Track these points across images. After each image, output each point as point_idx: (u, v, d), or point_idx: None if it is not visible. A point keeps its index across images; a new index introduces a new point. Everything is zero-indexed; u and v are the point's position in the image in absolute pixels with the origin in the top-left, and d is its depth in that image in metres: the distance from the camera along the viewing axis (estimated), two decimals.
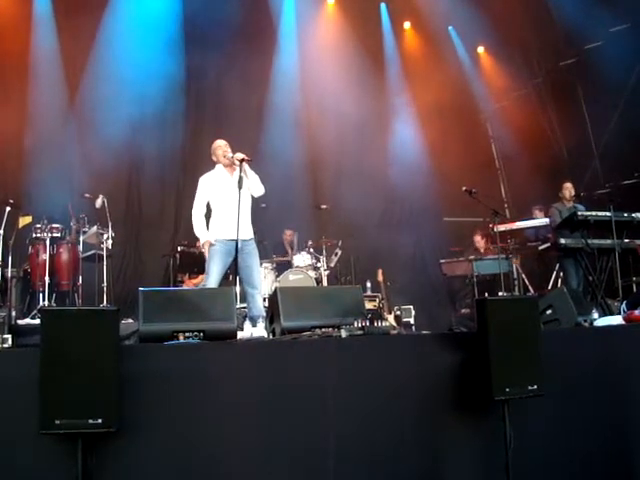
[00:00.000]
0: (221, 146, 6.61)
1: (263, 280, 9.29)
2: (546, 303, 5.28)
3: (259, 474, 3.52)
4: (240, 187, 6.18)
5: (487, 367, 3.74)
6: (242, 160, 6.27)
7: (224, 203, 6.45)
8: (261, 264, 9.46)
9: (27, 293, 8.62)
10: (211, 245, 6.37)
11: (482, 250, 11.01)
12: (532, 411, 4.01)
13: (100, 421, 3.01)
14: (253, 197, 6.63)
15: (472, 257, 10.60)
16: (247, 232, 6.48)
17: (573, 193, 9.05)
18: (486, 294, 9.38)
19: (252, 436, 3.56)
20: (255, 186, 6.49)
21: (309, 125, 12.33)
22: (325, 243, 10.57)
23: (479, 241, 11.09)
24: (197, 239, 6.90)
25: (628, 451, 4.39)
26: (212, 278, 6.30)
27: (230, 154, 6.47)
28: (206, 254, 6.42)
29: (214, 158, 6.66)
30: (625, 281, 7.85)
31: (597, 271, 7.59)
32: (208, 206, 6.61)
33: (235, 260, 6.24)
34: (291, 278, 9.69)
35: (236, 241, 6.09)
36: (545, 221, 9.89)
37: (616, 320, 5.30)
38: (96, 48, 10.63)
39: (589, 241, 7.51)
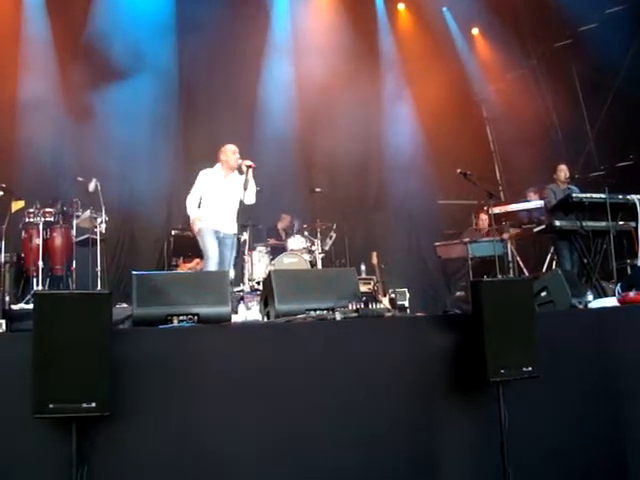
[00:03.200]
0: (235, 151, 7.43)
1: (257, 263, 9.38)
2: (541, 285, 5.27)
3: (253, 456, 3.53)
4: (245, 188, 7.20)
5: (482, 349, 3.74)
6: (249, 167, 7.25)
7: (215, 199, 7.38)
8: (255, 247, 9.53)
9: (21, 278, 8.59)
10: (199, 228, 7.22)
11: (484, 231, 10.92)
12: (527, 392, 4.01)
13: (94, 405, 3.00)
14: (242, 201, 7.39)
15: (467, 240, 10.60)
16: (232, 227, 7.41)
17: (568, 175, 9.02)
18: (485, 276, 9.36)
19: (247, 419, 3.56)
20: (251, 193, 7.33)
21: (303, 108, 12.26)
22: (319, 226, 10.56)
23: (484, 220, 10.99)
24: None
25: (622, 432, 4.41)
26: (211, 252, 7.16)
27: (239, 158, 7.34)
28: (195, 230, 7.28)
29: (222, 157, 7.42)
30: (619, 263, 7.87)
31: (592, 253, 7.60)
32: (200, 198, 7.47)
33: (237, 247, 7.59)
34: (286, 261, 9.68)
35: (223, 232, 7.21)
36: (540, 203, 9.87)
37: (610, 302, 5.31)
38: (87, 31, 10.55)
39: (584, 223, 7.51)
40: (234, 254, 7.72)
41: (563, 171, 9.02)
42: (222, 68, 11.82)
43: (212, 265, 7.10)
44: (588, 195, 7.53)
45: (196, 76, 12.02)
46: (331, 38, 12.00)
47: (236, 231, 7.60)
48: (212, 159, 7.56)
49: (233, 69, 11.83)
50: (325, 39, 11.98)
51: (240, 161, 7.32)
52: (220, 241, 7.29)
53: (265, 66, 12.18)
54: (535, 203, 10.14)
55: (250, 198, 7.36)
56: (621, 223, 7.59)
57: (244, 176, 7.30)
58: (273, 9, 12.49)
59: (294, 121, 12.21)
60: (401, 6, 13.51)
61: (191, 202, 7.38)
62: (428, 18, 12.98)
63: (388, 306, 9.08)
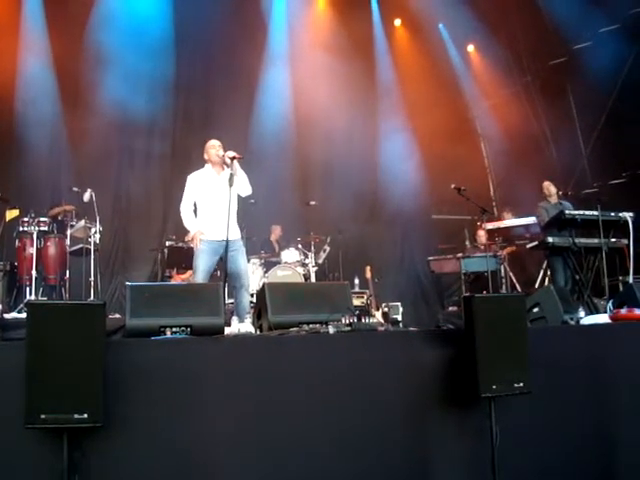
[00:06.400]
0: (214, 146, 6.63)
1: (251, 276, 9.30)
2: (533, 301, 5.30)
3: (245, 469, 3.52)
4: (231, 185, 6.28)
5: (474, 364, 3.75)
6: (233, 158, 6.35)
7: (210, 203, 6.53)
8: (249, 260, 9.49)
9: (14, 287, 8.59)
10: (200, 240, 6.39)
11: (482, 246, 10.91)
12: (518, 408, 4.02)
13: (86, 416, 2.99)
14: (240, 197, 6.66)
15: (460, 255, 10.64)
16: (234, 232, 6.51)
17: (553, 189, 9.10)
18: (484, 292, 9.40)
19: (238, 432, 3.55)
20: (243, 185, 6.52)
21: (298, 121, 12.33)
22: (313, 239, 10.58)
23: (482, 236, 10.98)
24: (185, 233, 6.94)
25: (613, 447, 4.41)
26: (199, 276, 6.36)
27: (222, 152, 6.50)
28: (196, 246, 6.44)
29: (205, 156, 6.69)
30: (611, 280, 7.89)
31: (584, 270, 7.63)
32: (195, 204, 6.65)
33: (224, 258, 6.29)
34: (279, 274, 9.69)
35: (227, 239, 6.17)
36: (534, 219, 9.92)
37: (602, 319, 5.32)
38: (85, 46, 10.56)
39: (576, 240, 7.55)
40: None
41: (546, 187, 9.12)
42: (219, 81, 11.91)
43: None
44: (581, 212, 7.58)
45: (192, 87, 12.09)
46: (328, 52, 12.05)
47: (240, 234, 6.71)
48: None
49: (229, 82, 11.91)
50: (322, 54, 12.04)
51: (222, 153, 6.48)
52: (227, 252, 6.27)
53: (262, 80, 12.24)
54: (530, 219, 10.19)
55: (243, 190, 6.55)
56: (613, 240, 7.62)
57: (225, 172, 6.48)
58: (270, 23, 12.56)
59: (290, 135, 12.28)
60: (397, 22, 13.63)
61: (186, 212, 6.57)
62: (424, 34, 13.08)
63: (381, 320, 9.13)
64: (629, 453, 4.43)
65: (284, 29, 12.60)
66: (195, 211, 6.65)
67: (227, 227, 6.12)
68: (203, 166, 6.72)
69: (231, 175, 6.33)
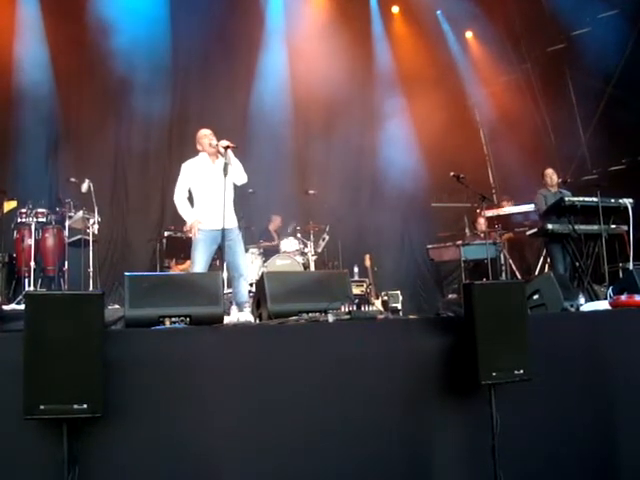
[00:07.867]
0: (207, 135, 6.59)
1: (250, 265, 9.29)
2: (533, 288, 5.28)
3: (245, 460, 3.52)
4: (225, 174, 6.21)
5: (474, 351, 3.75)
6: (227, 147, 6.32)
7: (206, 191, 6.49)
8: (248, 250, 9.47)
9: (13, 278, 8.57)
10: (198, 230, 6.38)
11: (482, 234, 10.88)
12: (518, 395, 4.02)
13: (85, 406, 2.98)
14: (237, 185, 6.63)
15: (459, 242, 10.63)
16: (231, 220, 6.47)
17: (555, 178, 9.04)
18: (484, 279, 9.37)
19: (238, 422, 3.55)
20: (238, 174, 6.49)
21: (297, 110, 12.29)
22: (313, 228, 10.56)
23: (481, 223, 10.95)
24: (183, 224, 6.89)
25: (613, 435, 4.41)
26: (197, 267, 6.36)
27: (215, 142, 6.46)
28: (194, 235, 6.42)
29: (199, 147, 6.65)
30: (611, 267, 7.89)
31: (584, 257, 7.62)
32: (190, 193, 6.62)
33: (221, 247, 6.31)
34: (278, 263, 9.68)
35: (222, 228, 6.12)
36: (533, 207, 9.90)
37: (602, 305, 5.31)
38: (82, 37, 10.49)
39: (576, 227, 7.53)
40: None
41: (549, 175, 9.04)
42: (216, 69, 11.85)
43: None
44: (580, 199, 7.56)
45: (189, 74, 12.03)
46: (325, 40, 11.98)
47: (237, 223, 6.65)
48: None
49: (227, 70, 11.87)
50: (319, 41, 11.97)
51: (215, 142, 6.43)
52: (223, 241, 6.21)
53: (259, 68, 12.19)
54: (529, 206, 10.17)
55: (238, 178, 6.49)
56: (613, 226, 7.62)
57: (219, 161, 6.43)
58: (268, 10, 12.49)
59: (288, 122, 12.23)
60: (395, 9, 13.56)
61: (180, 201, 6.52)
62: (422, 21, 13.04)
63: (381, 308, 9.10)
64: (629, 441, 4.43)
65: (282, 15, 12.54)
66: (190, 200, 6.63)
67: (223, 216, 6.08)
68: (198, 154, 6.69)
69: (225, 164, 6.26)
